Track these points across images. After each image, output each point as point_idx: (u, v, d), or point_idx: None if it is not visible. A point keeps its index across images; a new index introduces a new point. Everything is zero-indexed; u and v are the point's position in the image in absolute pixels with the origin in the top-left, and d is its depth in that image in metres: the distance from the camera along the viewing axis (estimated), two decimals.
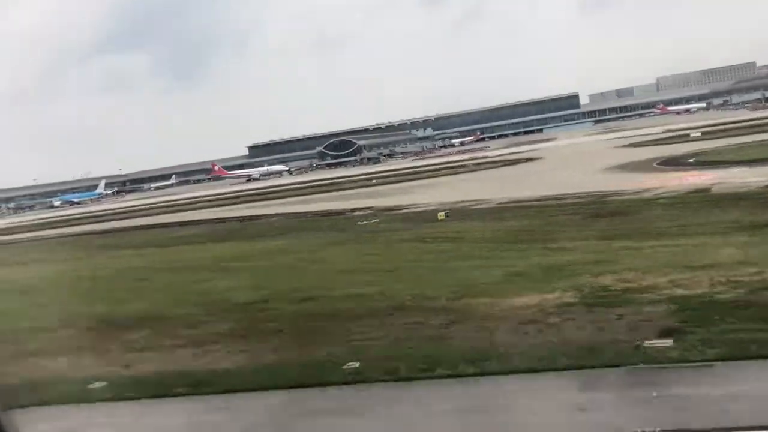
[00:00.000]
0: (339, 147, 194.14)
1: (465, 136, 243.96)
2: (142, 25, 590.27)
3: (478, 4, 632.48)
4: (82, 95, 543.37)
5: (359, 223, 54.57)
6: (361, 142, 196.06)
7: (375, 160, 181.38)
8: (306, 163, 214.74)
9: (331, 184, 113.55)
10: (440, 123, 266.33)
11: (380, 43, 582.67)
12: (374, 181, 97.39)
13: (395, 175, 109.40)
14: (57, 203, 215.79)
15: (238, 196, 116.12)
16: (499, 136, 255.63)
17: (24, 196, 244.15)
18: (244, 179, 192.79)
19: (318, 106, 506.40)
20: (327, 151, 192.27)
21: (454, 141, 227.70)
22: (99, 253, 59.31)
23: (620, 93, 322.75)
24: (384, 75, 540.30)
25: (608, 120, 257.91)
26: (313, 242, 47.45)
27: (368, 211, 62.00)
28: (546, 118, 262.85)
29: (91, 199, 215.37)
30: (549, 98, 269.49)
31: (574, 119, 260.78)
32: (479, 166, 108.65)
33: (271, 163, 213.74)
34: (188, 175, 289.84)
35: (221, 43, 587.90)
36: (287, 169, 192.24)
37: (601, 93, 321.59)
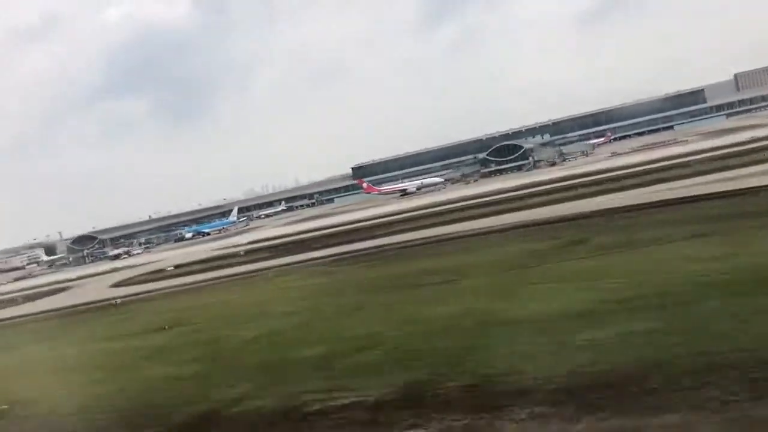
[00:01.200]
0: (503, 152, 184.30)
1: (590, 138, 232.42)
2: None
3: None
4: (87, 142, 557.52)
5: None
6: (528, 145, 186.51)
7: (550, 163, 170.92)
8: (454, 173, 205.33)
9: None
10: (558, 128, 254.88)
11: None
12: None
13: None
14: (188, 235, 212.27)
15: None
16: (621, 138, 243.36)
17: (143, 231, 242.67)
18: (397, 194, 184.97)
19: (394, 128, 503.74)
20: (491, 158, 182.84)
21: (591, 142, 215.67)
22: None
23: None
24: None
25: (738, 113, 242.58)
26: None
27: None
28: (671, 116, 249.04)
29: (220, 229, 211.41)
30: (671, 95, 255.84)
31: (701, 115, 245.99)
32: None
33: (408, 175, 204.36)
34: (291, 200, 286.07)
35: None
36: (442, 181, 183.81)
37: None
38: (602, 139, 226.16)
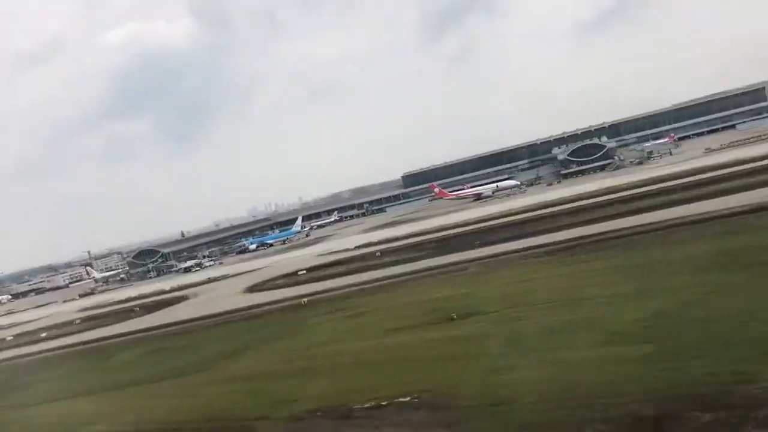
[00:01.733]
0: (584, 152, 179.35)
1: (648, 140, 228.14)
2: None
3: None
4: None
5: None
6: (611, 144, 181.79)
7: (637, 162, 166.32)
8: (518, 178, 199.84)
9: None
10: (615, 130, 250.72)
11: None
12: None
13: None
14: (252, 246, 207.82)
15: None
16: (682, 138, 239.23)
17: (200, 245, 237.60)
18: (471, 199, 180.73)
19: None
20: (572, 158, 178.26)
21: (666, 142, 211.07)
22: None
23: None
24: None
25: None
26: None
27: None
28: (730, 115, 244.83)
29: (284, 240, 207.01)
30: (729, 94, 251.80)
31: (763, 113, 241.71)
32: None
33: (461, 182, 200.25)
34: (340, 211, 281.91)
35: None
36: (518, 184, 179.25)
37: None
38: (665, 139, 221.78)
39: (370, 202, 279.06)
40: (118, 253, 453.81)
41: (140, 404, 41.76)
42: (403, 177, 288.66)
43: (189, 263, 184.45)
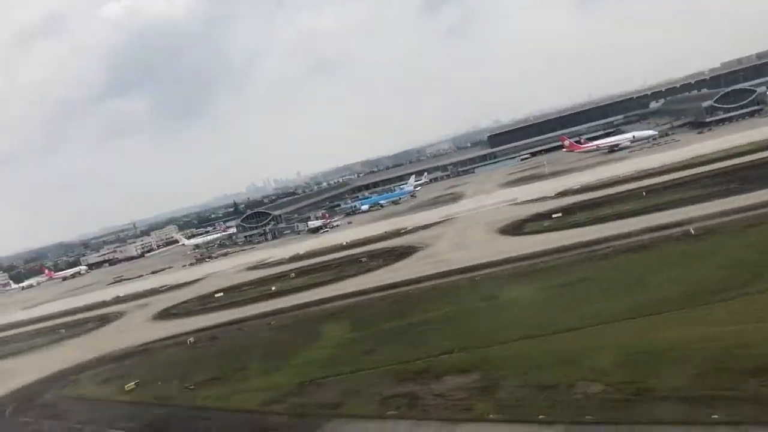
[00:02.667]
0: (731, 99, 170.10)
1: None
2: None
3: None
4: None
5: None
6: (761, 90, 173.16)
7: None
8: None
9: None
10: (716, 82, 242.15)
11: None
12: None
13: None
14: (364, 207, 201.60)
15: None
16: None
17: (303, 208, 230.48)
18: (604, 150, 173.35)
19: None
20: (719, 105, 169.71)
21: None
22: None
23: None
24: None
25: None
26: None
27: None
28: None
29: (396, 201, 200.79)
30: None
31: None
32: None
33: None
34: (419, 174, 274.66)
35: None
36: (656, 133, 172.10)
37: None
38: None
39: (454, 164, 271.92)
40: (175, 223, 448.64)
41: None
42: (489, 137, 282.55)
43: (316, 223, 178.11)
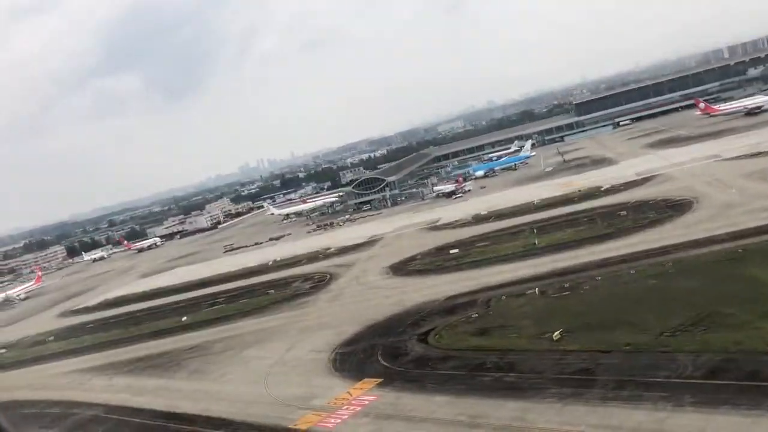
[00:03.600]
0: None
1: None
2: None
3: None
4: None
5: None
6: None
7: None
8: None
9: None
10: None
11: None
12: None
13: None
14: (479, 173, 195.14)
15: None
16: None
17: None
18: (741, 113, 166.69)
19: None
20: None
21: None
22: None
23: None
24: None
25: None
26: None
27: None
28: None
29: (513, 166, 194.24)
30: None
31: None
32: None
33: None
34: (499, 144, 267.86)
35: None
36: None
37: None
38: None
39: (539, 133, 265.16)
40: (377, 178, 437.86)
41: None
42: (576, 105, 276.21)
43: (448, 187, 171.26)
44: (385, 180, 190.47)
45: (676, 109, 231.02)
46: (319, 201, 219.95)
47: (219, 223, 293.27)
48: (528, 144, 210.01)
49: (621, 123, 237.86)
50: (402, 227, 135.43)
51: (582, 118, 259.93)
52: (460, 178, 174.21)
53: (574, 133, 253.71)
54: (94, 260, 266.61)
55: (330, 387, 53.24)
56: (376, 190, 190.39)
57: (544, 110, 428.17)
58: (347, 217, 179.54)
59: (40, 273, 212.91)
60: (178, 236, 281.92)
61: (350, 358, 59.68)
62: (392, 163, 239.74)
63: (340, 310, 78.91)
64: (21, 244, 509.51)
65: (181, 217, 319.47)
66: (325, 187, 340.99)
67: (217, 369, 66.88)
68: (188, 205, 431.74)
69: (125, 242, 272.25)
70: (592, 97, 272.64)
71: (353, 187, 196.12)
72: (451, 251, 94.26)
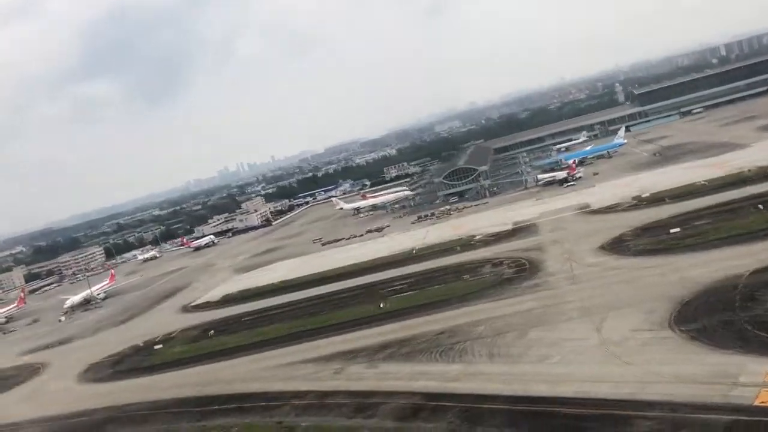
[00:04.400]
0: None
1: None
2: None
3: None
4: None
5: None
6: None
7: None
8: None
9: None
10: None
11: None
12: None
13: None
14: (570, 161, 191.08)
15: None
16: None
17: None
18: None
19: None
20: None
21: None
22: None
23: None
24: None
25: None
26: None
27: None
28: None
29: (607, 153, 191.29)
30: None
31: None
32: None
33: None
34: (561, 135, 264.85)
35: None
36: None
37: None
38: None
39: (601, 123, 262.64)
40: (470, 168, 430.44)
41: None
42: (639, 95, 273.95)
43: (561, 174, 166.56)
44: (477, 170, 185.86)
45: (749, 96, 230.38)
46: (390, 196, 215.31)
47: (268, 220, 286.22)
48: (622, 130, 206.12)
49: (693, 111, 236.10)
50: (543, 213, 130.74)
51: (646, 107, 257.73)
52: (574, 164, 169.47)
53: (638, 123, 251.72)
54: (146, 260, 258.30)
55: (739, 364, 48.28)
56: (468, 180, 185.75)
57: (583, 103, 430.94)
58: (448, 207, 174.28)
59: (113, 271, 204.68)
60: (230, 234, 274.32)
61: (707, 333, 54.81)
62: (466, 155, 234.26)
63: (603, 291, 73.64)
64: (18, 249, 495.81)
65: (226, 215, 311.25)
66: (369, 183, 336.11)
67: (532, 351, 61.46)
68: (216, 205, 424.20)
69: (184, 239, 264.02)
70: (655, 87, 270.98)
71: (443, 178, 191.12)
72: (672, 230, 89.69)
